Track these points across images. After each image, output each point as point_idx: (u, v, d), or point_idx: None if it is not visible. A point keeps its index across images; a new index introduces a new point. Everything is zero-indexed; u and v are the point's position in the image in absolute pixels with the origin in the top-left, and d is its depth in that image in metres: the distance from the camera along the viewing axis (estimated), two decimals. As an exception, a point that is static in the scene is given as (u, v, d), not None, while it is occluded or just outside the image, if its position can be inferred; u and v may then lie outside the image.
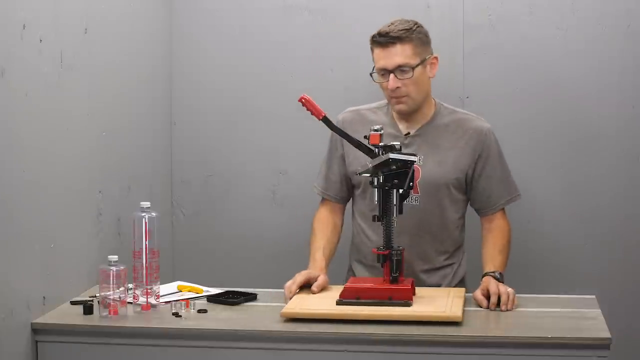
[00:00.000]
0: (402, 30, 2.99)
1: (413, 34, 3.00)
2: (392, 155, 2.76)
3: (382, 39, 3.00)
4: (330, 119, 2.88)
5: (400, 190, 2.79)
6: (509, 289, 2.82)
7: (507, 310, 2.78)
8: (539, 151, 3.67)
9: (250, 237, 3.82)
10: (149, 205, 2.82)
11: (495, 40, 3.65)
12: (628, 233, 3.66)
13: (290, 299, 2.83)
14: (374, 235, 3.11)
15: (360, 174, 2.86)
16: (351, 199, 3.24)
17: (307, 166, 3.39)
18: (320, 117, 2.87)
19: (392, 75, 2.99)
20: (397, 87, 3.00)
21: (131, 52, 3.43)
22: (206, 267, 3.79)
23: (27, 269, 2.69)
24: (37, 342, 2.71)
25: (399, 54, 2.99)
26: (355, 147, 2.86)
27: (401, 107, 3.05)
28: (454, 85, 3.66)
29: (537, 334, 2.56)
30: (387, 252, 2.81)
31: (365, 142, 2.83)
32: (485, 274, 2.95)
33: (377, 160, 2.78)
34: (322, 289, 2.93)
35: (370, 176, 2.82)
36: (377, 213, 2.83)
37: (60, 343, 2.72)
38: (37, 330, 2.71)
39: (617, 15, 3.59)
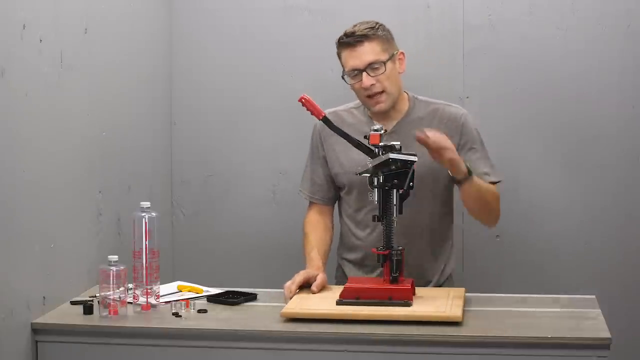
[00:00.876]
0: (366, 29, 3.01)
1: (378, 32, 3.02)
2: (392, 155, 2.76)
3: (350, 39, 3.01)
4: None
5: (400, 191, 2.79)
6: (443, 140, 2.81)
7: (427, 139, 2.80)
8: (539, 151, 3.67)
9: (250, 237, 3.82)
10: (149, 205, 2.82)
11: (495, 40, 3.65)
12: (628, 233, 3.66)
13: (290, 299, 2.83)
14: (361, 233, 3.13)
15: (360, 174, 2.86)
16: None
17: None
18: (320, 117, 2.87)
19: (364, 74, 3.00)
20: (372, 84, 3.00)
21: (131, 52, 3.43)
22: (206, 267, 3.79)
23: (27, 269, 2.69)
24: (37, 342, 2.71)
25: (368, 51, 3.00)
26: (355, 147, 2.86)
27: (380, 106, 3.05)
28: (454, 85, 3.66)
29: (537, 334, 2.55)
30: (387, 252, 2.81)
31: (366, 142, 2.84)
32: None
33: (377, 160, 2.78)
34: (322, 287, 2.93)
35: (370, 176, 2.82)
36: (377, 213, 2.84)
37: (60, 343, 2.72)
38: (37, 330, 2.71)
39: (617, 15, 3.59)
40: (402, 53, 3.08)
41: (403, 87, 3.12)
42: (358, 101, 3.14)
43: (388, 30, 3.07)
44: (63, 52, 2.87)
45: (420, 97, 3.15)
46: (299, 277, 2.92)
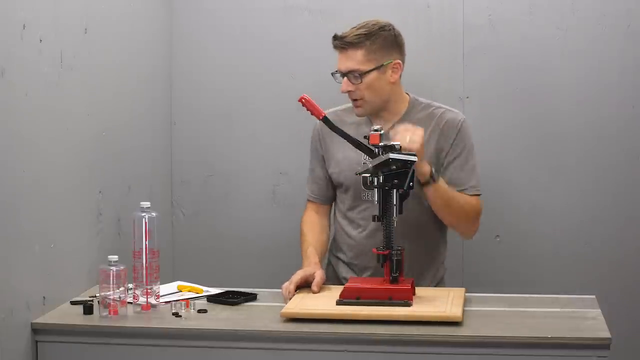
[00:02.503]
0: (358, 35, 3.00)
1: (370, 39, 3.00)
2: (392, 155, 2.76)
3: (336, 43, 3.03)
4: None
5: (400, 191, 2.79)
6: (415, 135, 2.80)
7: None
8: (539, 151, 3.67)
9: (250, 237, 3.82)
10: (149, 205, 2.82)
11: (495, 40, 3.65)
12: (628, 233, 3.66)
13: (289, 299, 2.83)
14: (353, 232, 3.14)
15: (360, 174, 2.86)
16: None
17: (307, 166, 3.39)
18: (321, 117, 2.87)
19: (345, 79, 3.02)
20: (350, 91, 3.01)
21: (131, 52, 3.43)
22: (206, 267, 3.79)
23: (27, 269, 2.69)
24: (37, 342, 2.71)
25: (351, 58, 3.00)
26: (356, 147, 2.86)
27: (357, 110, 3.07)
28: (454, 85, 3.66)
29: (537, 334, 2.55)
30: (387, 252, 2.81)
31: (365, 142, 2.84)
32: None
33: (377, 160, 2.78)
34: (321, 285, 2.93)
35: (370, 176, 2.82)
36: (377, 213, 2.83)
37: (60, 343, 2.72)
38: (37, 330, 2.70)
39: (617, 15, 3.59)
40: (399, 63, 3.05)
41: (404, 90, 3.12)
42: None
43: (392, 37, 3.05)
44: (63, 52, 2.87)
45: (421, 100, 3.15)
46: (297, 277, 2.92)
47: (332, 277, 3.20)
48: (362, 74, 3.00)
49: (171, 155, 3.84)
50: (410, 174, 2.77)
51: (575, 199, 3.67)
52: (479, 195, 3.09)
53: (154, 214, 2.82)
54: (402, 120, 3.08)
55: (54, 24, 2.82)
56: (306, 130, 3.40)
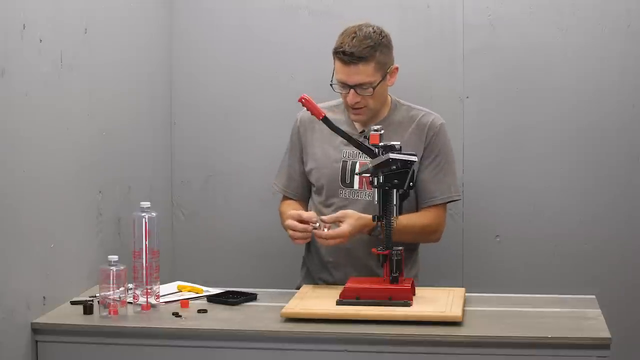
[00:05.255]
0: (366, 47, 2.98)
1: (377, 51, 3.00)
2: (392, 155, 2.76)
3: (346, 58, 2.99)
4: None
5: (400, 191, 2.79)
6: (340, 233, 2.87)
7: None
8: (539, 151, 3.67)
9: (250, 237, 3.82)
10: (149, 205, 2.82)
11: (495, 40, 3.65)
12: (628, 233, 3.66)
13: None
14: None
15: (360, 174, 2.86)
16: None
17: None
18: (321, 117, 2.87)
19: (352, 91, 3.01)
20: (357, 102, 3.01)
21: (131, 52, 3.43)
22: (206, 267, 3.79)
23: (27, 269, 2.69)
24: (37, 342, 2.71)
25: (361, 72, 2.99)
26: (356, 147, 2.86)
27: (359, 118, 3.08)
28: (454, 85, 3.66)
29: (537, 334, 2.56)
30: (387, 252, 2.81)
31: (366, 141, 2.84)
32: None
33: (377, 160, 2.78)
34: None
35: (370, 176, 2.82)
36: (377, 213, 2.84)
37: (60, 343, 2.72)
38: (37, 330, 2.71)
39: (617, 15, 3.59)
40: (397, 68, 3.08)
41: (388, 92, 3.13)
42: (339, 100, 3.14)
43: (389, 41, 3.06)
44: (63, 52, 2.87)
45: (402, 102, 3.17)
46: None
47: (306, 277, 3.21)
48: (374, 87, 3.00)
49: (171, 155, 3.84)
50: (410, 174, 2.77)
51: (575, 199, 3.67)
52: (449, 202, 3.13)
53: (154, 214, 2.82)
54: (384, 121, 3.09)
55: (54, 24, 2.82)
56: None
